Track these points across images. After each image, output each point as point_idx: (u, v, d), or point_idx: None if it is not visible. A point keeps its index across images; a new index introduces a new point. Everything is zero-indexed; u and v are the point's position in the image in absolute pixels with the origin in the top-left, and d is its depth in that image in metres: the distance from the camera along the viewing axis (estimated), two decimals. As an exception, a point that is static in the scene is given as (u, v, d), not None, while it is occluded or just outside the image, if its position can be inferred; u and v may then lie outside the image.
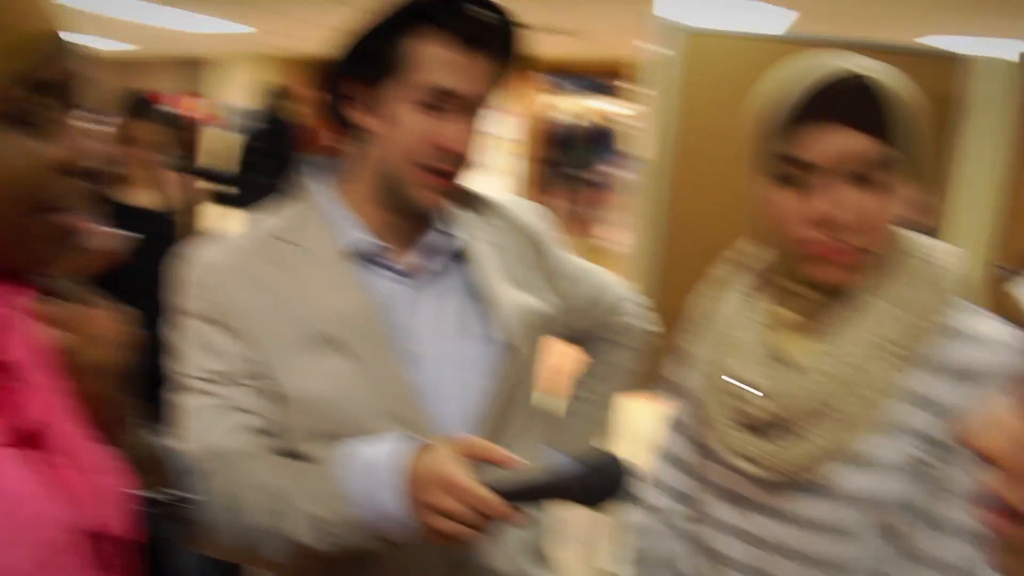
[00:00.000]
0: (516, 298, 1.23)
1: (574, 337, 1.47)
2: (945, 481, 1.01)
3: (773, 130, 1.00)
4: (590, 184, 11.67)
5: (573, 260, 1.42)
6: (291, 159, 5.27)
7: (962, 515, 1.00)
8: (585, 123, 11.98)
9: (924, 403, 1.01)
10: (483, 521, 0.94)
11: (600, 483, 0.92)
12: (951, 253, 1.09)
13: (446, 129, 1.10)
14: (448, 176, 1.14)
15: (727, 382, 1.10)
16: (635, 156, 3.04)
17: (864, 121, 0.96)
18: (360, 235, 1.16)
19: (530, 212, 1.35)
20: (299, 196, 1.20)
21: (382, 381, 1.12)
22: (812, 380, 1.03)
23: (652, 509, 1.26)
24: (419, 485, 0.95)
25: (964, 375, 1.00)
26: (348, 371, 1.11)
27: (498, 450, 0.97)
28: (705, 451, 1.18)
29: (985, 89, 3.33)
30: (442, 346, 1.18)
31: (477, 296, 1.22)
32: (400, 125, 1.11)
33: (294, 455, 1.12)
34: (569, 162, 11.96)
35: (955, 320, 1.03)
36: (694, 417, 1.22)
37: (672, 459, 1.26)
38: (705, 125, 2.90)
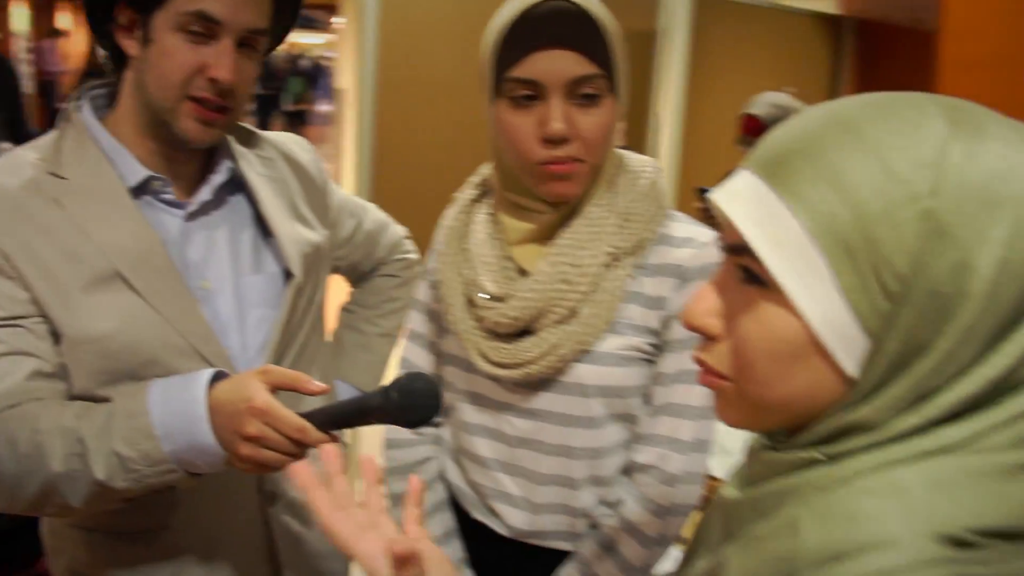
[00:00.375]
0: (296, 230, 1.23)
1: (354, 273, 1.50)
2: (665, 367, 1.15)
3: (501, 55, 1.07)
4: (307, 120, 11.43)
5: (348, 195, 1.44)
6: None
7: (679, 395, 1.14)
8: (285, 57, 11.65)
9: (648, 301, 1.14)
10: (298, 448, 0.95)
11: (412, 402, 0.91)
12: (657, 168, 1.21)
13: (212, 58, 1.07)
14: (217, 108, 1.10)
15: (472, 295, 1.16)
16: (339, 88, 3.01)
17: (582, 43, 1.04)
18: (137, 168, 1.12)
19: (300, 146, 1.34)
20: (65, 129, 1.12)
21: (174, 317, 1.09)
22: (550, 287, 1.11)
23: None
24: (232, 415, 0.95)
25: (679, 273, 1.13)
26: (138, 308, 1.08)
27: (306, 378, 0.97)
28: (449, 359, 1.25)
29: (672, 23, 3.62)
30: (229, 279, 1.17)
31: (259, 229, 1.22)
32: (167, 54, 1.06)
33: (91, 399, 1.06)
34: (287, 98, 11.64)
35: (669, 227, 1.16)
36: (431, 329, 1.29)
37: (414, 368, 1.31)
38: (405, 52, 2.92)
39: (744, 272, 0.59)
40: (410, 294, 1.53)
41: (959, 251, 0.52)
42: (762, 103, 2.94)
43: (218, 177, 1.18)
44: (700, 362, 0.64)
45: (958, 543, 0.52)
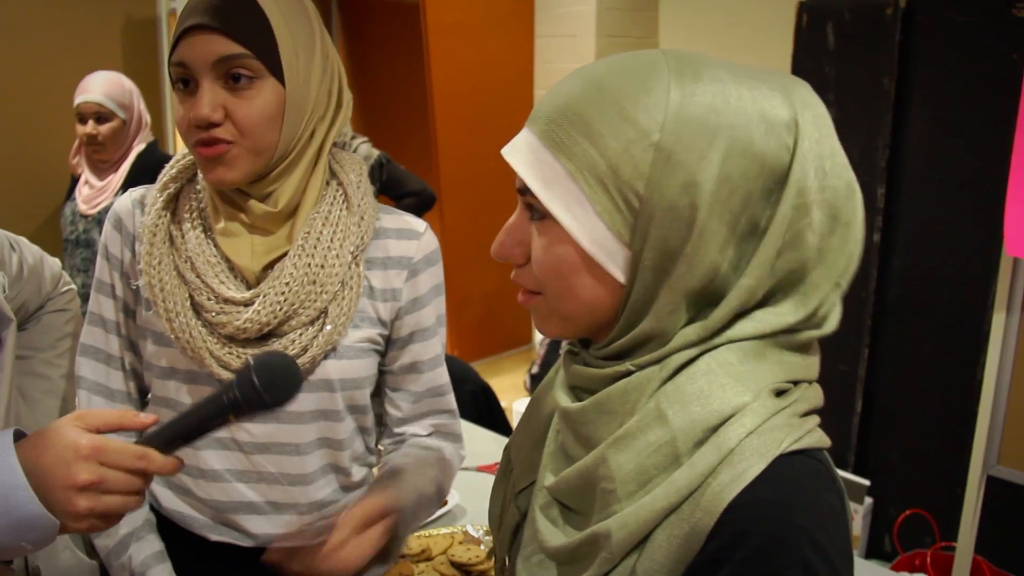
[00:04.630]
0: None
1: (21, 314, 1.30)
2: (420, 355, 1.21)
3: (173, 45, 1.03)
4: None
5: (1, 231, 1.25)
6: None
7: (439, 377, 1.23)
8: None
9: (378, 294, 1.16)
10: (143, 482, 0.83)
11: (276, 378, 0.82)
12: (357, 158, 1.20)
13: None
14: None
15: (203, 301, 1.09)
16: None
17: (226, 22, 0.99)
18: None
19: None
20: None
21: None
22: (300, 289, 1.08)
23: None
24: (53, 470, 0.79)
25: (409, 265, 1.17)
26: None
27: (132, 413, 0.85)
28: (165, 373, 1.15)
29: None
30: None
31: None
32: None
33: None
34: None
35: (381, 219, 1.18)
36: (120, 344, 1.19)
37: (109, 393, 1.20)
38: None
39: (530, 209, 0.71)
40: (80, 327, 1.34)
41: (685, 172, 0.63)
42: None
43: None
44: (516, 282, 0.75)
45: (778, 393, 0.67)
